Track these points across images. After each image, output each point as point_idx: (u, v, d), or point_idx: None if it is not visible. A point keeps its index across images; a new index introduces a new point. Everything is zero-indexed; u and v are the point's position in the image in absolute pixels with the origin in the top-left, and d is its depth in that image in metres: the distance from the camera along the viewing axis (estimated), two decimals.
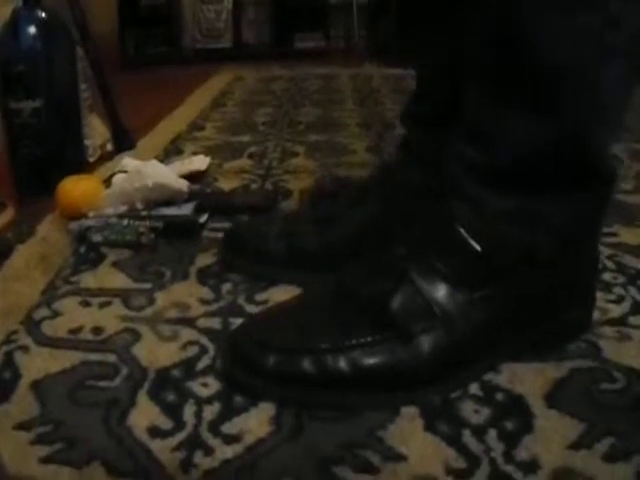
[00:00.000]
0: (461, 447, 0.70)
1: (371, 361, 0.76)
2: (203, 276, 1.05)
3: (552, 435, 0.71)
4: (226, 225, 1.22)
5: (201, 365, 0.83)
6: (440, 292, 0.78)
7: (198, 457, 0.68)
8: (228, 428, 0.72)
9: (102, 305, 0.97)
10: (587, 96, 0.76)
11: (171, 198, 1.25)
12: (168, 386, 0.79)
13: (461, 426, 0.73)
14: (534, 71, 0.75)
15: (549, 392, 0.78)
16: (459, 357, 0.78)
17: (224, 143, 1.87)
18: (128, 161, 1.43)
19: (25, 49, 1.41)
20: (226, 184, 1.50)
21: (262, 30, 3.94)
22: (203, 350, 0.86)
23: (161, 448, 0.70)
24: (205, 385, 0.80)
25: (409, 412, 0.75)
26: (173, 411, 0.75)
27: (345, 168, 1.61)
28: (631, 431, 0.71)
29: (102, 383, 0.80)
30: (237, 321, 0.92)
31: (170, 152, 1.78)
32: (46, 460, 0.68)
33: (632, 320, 0.91)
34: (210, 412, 0.75)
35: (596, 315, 0.90)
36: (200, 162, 1.55)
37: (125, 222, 1.17)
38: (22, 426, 0.73)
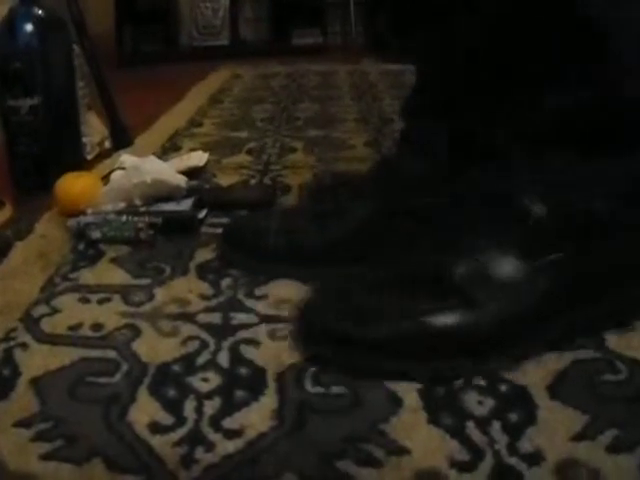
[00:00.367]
0: (465, 439, 0.69)
1: (438, 324, 0.77)
2: (202, 271, 1.05)
3: (556, 426, 0.70)
4: (225, 220, 1.22)
5: (201, 360, 0.83)
6: (503, 262, 0.79)
7: (199, 452, 0.68)
8: (229, 423, 0.72)
9: (101, 301, 0.97)
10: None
11: (169, 194, 1.25)
12: (168, 381, 0.79)
13: (465, 418, 0.72)
14: (588, 33, 0.76)
15: (552, 383, 0.77)
16: (527, 323, 0.79)
17: (222, 139, 1.87)
18: (126, 158, 1.43)
19: (22, 47, 1.41)
20: (225, 180, 1.50)
21: (259, 27, 3.93)
22: (204, 345, 0.86)
23: (162, 444, 0.69)
24: (206, 380, 0.79)
25: (412, 404, 0.74)
26: (174, 407, 0.75)
27: (344, 163, 1.61)
28: (635, 422, 0.71)
29: (102, 379, 0.80)
30: (237, 316, 0.92)
31: (168, 149, 1.77)
32: (46, 457, 0.68)
33: None
34: (211, 407, 0.74)
35: None
36: (198, 158, 1.55)
37: (124, 218, 1.17)
38: (22, 423, 0.73)
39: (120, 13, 3.61)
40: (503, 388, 0.77)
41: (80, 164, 1.52)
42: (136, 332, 0.89)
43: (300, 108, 2.27)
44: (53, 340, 0.88)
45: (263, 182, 1.48)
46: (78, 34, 1.68)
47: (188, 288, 1.00)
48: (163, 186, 1.24)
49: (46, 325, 0.91)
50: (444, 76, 1.00)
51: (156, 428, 0.72)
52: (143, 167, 1.26)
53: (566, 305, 0.80)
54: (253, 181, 1.49)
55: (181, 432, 0.71)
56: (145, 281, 1.03)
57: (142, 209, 1.20)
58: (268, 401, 0.75)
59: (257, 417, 0.73)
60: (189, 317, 0.92)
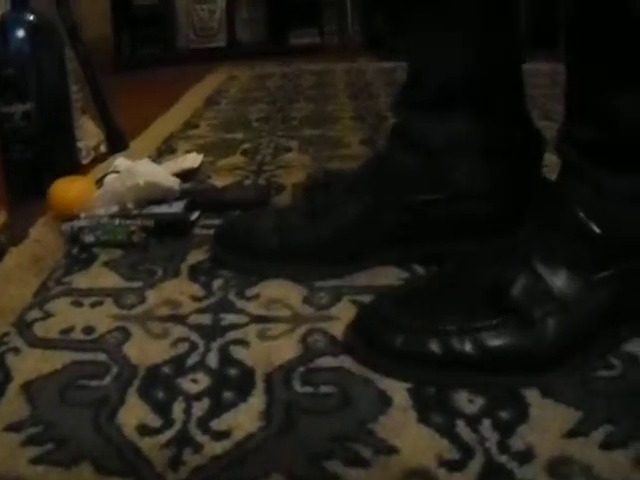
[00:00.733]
0: (455, 438, 0.69)
1: (496, 343, 0.76)
2: (194, 273, 1.05)
3: (548, 424, 0.70)
4: (218, 222, 1.22)
5: (191, 361, 0.83)
6: (560, 276, 0.78)
7: (187, 454, 0.68)
8: (217, 424, 0.72)
9: (94, 305, 0.97)
10: None
11: (163, 196, 1.25)
12: (158, 383, 0.79)
13: (455, 416, 0.72)
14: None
15: (543, 380, 0.77)
16: (579, 340, 0.78)
17: (218, 140, 1.87)
18: (121, 161, 1.43)
19: (14, 52, 1.41)
20: (219, 181, 1.50)
21: (256, 28, 3.93)
22: (193, 346, 0.86)
23: (150, 446, 0.69)
24: (195, 381, 0.79)
25: (401, 403, 0.74)
26: (162, 408, 0.75)
27: (338, 161, 1.61)
28: (628, 418, 0.71)
29: (93, 382, 0.80)
30: (228, 317, 0.92)
31: (163, 151, 1.77)
32: (35, 461, 0.68)
33: None
34: (199, 408, 0.75)
35: None
36: (192, 160, 1.55)
37: (117, 222, 1.17)
38: (12, 428, 0.73)
39: (117, 18, 3.60)
40: (494, 387, 0.76)
41: (75, 168, 1.52)
42: (127, 335, 0.89)
43: (296, 108, 2.27)
44: (45, 344, 0.88)
45: (257, 182, 1.48)
46: (71, 38, 1.67)
47: (180, 290, 1.00)
48: (156, 189, 1.24)
49: (39, 329, 0.91)
50: (440, 69, 0.99)
51: (144, 430, 0.72)
52: (136, 170, 1.25)
53: (615, 321, 0.80)
54: (247, 182, 1.50)
55: (169, 434, 0.71)
56: (137, 284, 1.03)
57: (135, 212, 1.20)
58: (256, 402, 0.75)
59: (245, 418, 0.73)
60: (180, 319, 0.92)
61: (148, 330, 0.90)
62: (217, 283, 1.01)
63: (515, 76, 1.03)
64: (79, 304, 0.98)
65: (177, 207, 1.22)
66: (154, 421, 0.73)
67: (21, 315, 0.95)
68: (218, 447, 0.69)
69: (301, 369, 0.80)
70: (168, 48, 3.79)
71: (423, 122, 1.00)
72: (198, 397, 0.77)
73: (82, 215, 1.19)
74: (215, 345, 0.86)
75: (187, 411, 0.74)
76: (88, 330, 0.91)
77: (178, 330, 0.90)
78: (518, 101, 1.04)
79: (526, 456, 0.66)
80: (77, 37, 1.71)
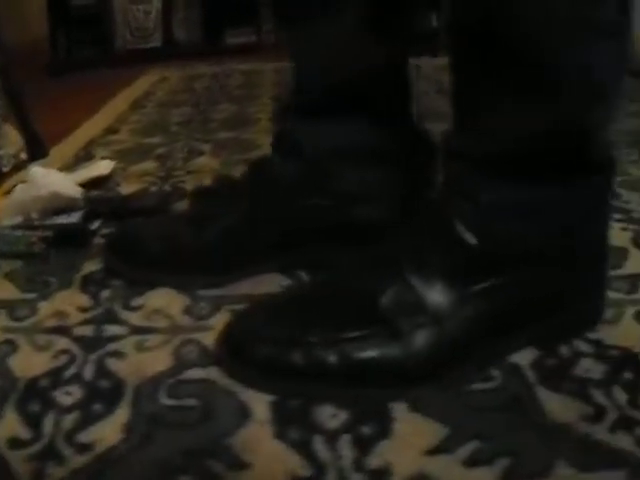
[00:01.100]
0: (309, 455, 0.69)
1: (361, 355, 0.76)
2: (86, 283, 1.06)
3: (411, 440, 0.69)
4: None
5: (68, 374, 0.84)
6: (434, 288, 0.77)
7: (50, 467, 0.69)
8: (83, 437, 0.73)
9: None
10: (579, 78, 0.73)
11: (66, 206, 1.25)
12: (34, 396, 0.80)
13: (314, 431, 0.72)
14: (524, 53, 0.72)
15: (415, 394, 0.76)
16: (452, 354, 0.77)
17: (135, 146, 1.86)
18: (36, 170, 1.42)
19: None
20: (127, 188, 1.50)
21: (193, 28, 3.91)
22: (72, 358, 0.87)
23: (18, 459, 0.70)
24: (69, 394, 0.80)
25: (261, 417, 0.74)
26: (34, 421, 0.75)
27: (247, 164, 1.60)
28: (500, 433, 0.70)
29: None
30: (110, 328, 0.93)
31: (81, 158, 1.76)
32: None
33: None
34: (69, 421, 0.75)
35: None
36: (104, 167, 1.55)
37: (18, 233, 1.17)
38: None
39: (53, 19, 3.57)
40: (360, 402, 0.76)
41: None
42: (14, 347, 0.90)
43: (218, 109, 2.27)
44: None
45: (161, 189, 1.48)
46: None
47: (69, 301, 1.01)
48: (59, 199, 1.24)
49: None
50: (323, 74, 1.00)
51: (15, 443, 0.72)
52: (39, 180, 1.26)
53: (491, 334, 0.79)
54: (153, 188, 1.49)
55: (37, 447, 0.72)
56: (31, 295, 1.03)
57: (36, 223, 1.21)
58: (122, 414, 0.76)
59: (109, 430, 0.74)
60: (65, 330, 0.93)
61: (34, 342, 0.90)
62: (105, 294, 1.02)
63: (400, 78, 1.04)
64: None
65: (75, 217, 1.22)
66: (25, 434, 0.74)
67: None
68: (80, 460, 0.70)
69: (170, 381, 0.81)
70: (105, 49, 3.76)
71: (304, 127, 1.01)
72: (69, 410, 0.77)
73: None
74: (93, 357, 0.87)
75: (57, 424, 0.75)
76: None
77: (62, 342, 0.90)
78: (404, 104, 1.05)
79: (382, 474, 0.66)
80: None
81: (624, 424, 0.71)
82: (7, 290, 1.06)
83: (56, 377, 0.83)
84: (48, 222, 1.22)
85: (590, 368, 0.80)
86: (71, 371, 0.84)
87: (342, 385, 0.77)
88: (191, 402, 0.78)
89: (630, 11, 0.73)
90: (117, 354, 0.87)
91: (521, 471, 0.66)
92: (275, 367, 0.78)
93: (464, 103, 0.82)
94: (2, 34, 1.81)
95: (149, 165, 1.68)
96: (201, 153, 1.76)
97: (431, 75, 2.42)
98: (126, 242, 1.09)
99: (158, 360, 0.85)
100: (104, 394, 0.80)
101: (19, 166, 1.69)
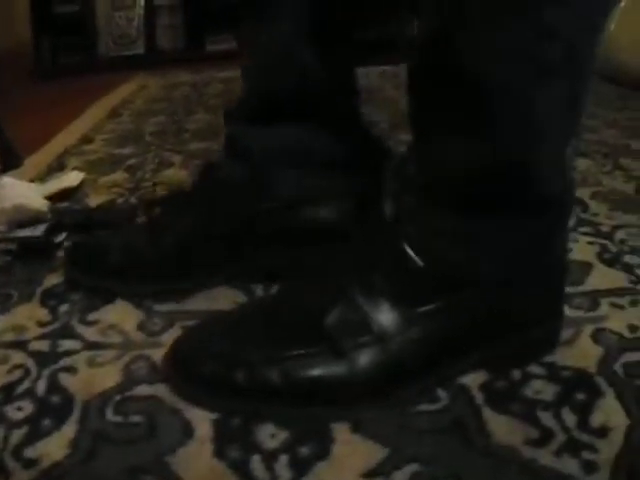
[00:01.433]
0: (246, 474, 0.69)
1: (304, 374, 0.75)
2: (46, 297, 1.06)
3: (348, 461, 0.69)
4: None
5: (21, 389, 0.84)
6: (380, 308, 0.77)
7: None
8: (30, 452, 0.74)
9: None
10: (520, 117, 0.72)
11: (32, 219, 1.26)
12: None
13: (252, 451, 0.72)
14: (462, 86, 0.72)
15: (358, 414, 0.76)
16: (397, 374, 0.77)
17: (107, 156, 1.86)
18: (7, 180, 1.43)
19: None
20: (95, 200, 1.50)
21: (175, 35, 3.92)
22: (26, 373, 0.87)
23: None
24: (20, 409, 0.81)
25: (203, 435, 0.75)
26: None
27: None
28: (441, 456, 0.70)
29: None
30: (65, 342, 0.93)
31: (54, 168, 1.77)
32: None
33: None
34: (17, 436, 0.76)
35: None
36: (73, 178, 1.55)
37: None
38: None
39: (37, 24, 3.57)
40: (302, 422, 0.76)
41: None
42: None
43: (193, 119, 2.27)
44: None
45: (128, 201, 1.48)
46: None
47: (29, 315, 1.01)
48: (24, 211, 1.25)
49: None
50: (269, 79, 1.02)
51: None
52: (4, 193, 1.27)
53: (438, 355, 0.79)
54: (121, 200, 1.50)
55: None
56: None
57: (0, 235, 1.21)
58: (69, 430, 0.77)
59: (55, 446, 0.74)
60: (21, 345, 0.93)
61: None
62: (63, 308, 1.02)
63: (346, 85, 1.05)
64: None
65: (39, 230, 1.23)
66: None
67: None
68: (25, 475, 0.70)
69: (117, 397, 0.82)
70: (89, 56, 3.76)
71: (250, 132, 1.02)
72: (19, 425, 0.78)
73: None
74: (47, 372, 0.87)
75: (6, 439, 0.76)
76: None
77: (17, 356, 0.91)
78: (352, 110, 1.07)
79: None
80: None
81: (571, 447, 0.71)
82: None
83: (9, 392, 0.84)
84: (11, 235, 1.22)
85: (541, 390, 0.81)
86: (24, 386, 0.85)
87: (285, 404, 0.77)
88: (136, 419, 0.78)
89: (579, 57, 0.72)
90: (70, 369, 0.88)
91: None
92: (220, 385, 0.78)
93: (415, 126, 0.82)
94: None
95: (119, 176, 1.68)
96: (171, 164, 1.76)
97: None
98: (86, 254, 1.09)
99: (108, 376, 0.86)
100: (54, 409, 0.80)
101: None
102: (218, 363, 0.79)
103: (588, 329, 0.91)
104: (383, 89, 2.54)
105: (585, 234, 1.20)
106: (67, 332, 0.96)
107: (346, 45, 1.03)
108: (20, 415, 0.80)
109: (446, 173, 0.79)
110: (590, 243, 1.17)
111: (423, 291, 0.79)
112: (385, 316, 0.78)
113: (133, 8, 3.84)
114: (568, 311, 0.93)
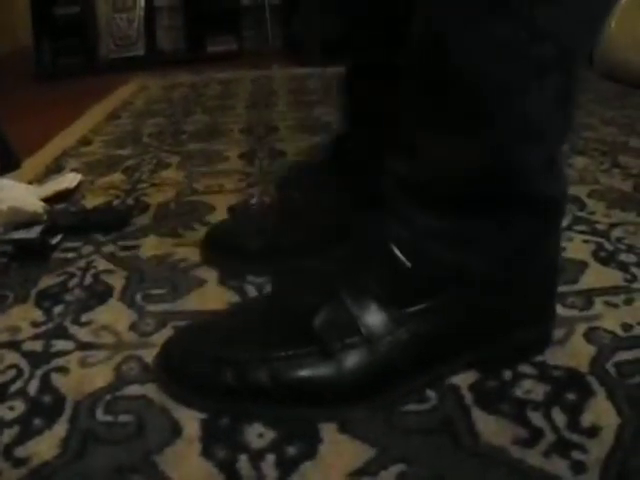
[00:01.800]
0: (233, 474, 0.69)
1: (293, 374, 0.76)
2: (41, 298, 1.07)
3: (335, 462, 0.70)
4: (79, 244, 1.25)
5: (13, 388, 0.85)
6: (368, 309, 0.77)
7: None
8: (21, 451, 0.74)
9: None
10: (514, 116, 0.72)
11: (29, 221, 1.26)
12: None
13: (239, 451, 0.72)
14: (456, 87, 0.72)
15: (346, 414, 0.76)
16: (385, 375, 0.77)
17: (105, 157, 1.86)
18: (4, 183, 1.44)
19: None
20: (92, 201, 1.50)
21: (176, 36, 3.93)
22: (19, 373, 0.87)
23: None
24: (11, 408, 0.81)
25: (190, 434, 0.75)
26: None
27: (210, 177, 1.63)
28: (428, 456, 0.70)
29: None
30: (58, 343, 0.94)
31: (52, 170, 1.76)
32: None
33: None
34: (8, 436, 0.76)
35: None
36: (70, 180, 1.55)
37: None
38: None
39: (38, 27, 3.58)
40: (290, 421, 0.76)
41: None
42: None
43: (190, 120, 2.27)
44: None
45: (126, 202, 1.48)
46: None
47: (23, 315, 1.01)
48: (20, 213, 1.26)
49: None
50: None
51: None
52: (1, 195, 1.27)
53: (426, 356, 0.80)
54: (117, 201, 1.50)
55: None
56: None
57: None
58: (59, 429, 0.77)
59: (45, 446, 0.75)
60: (15, 345, 0.94)
61: None
62: (58, 309, 1.02)
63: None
64: None
65: (35, 232, 1.23)
66: None
67: None
68: (14, 474, 0.71)
69: (108, 397, 0.82)
70: (90, 57, 3.77)
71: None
72: (10, 424, 0.78)
73: None
74: (39, 372, 0.87)
75: None
76: None
77: (11, 357, 0.91)
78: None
79: None
80: None
81: (560, 448, 0.71)
82: None
83: (1, 392, 0.84)
84: (7, 237, 1.22)
85: (531, 389, 0.81)
86: (17, 386, 0.85)
87: (274, 404, 0.77)
88: (126, 418, 0.79)
89: (572, 57, 0.73)
90: (62, 369, 0.88)
91: None
92: (209, 385, 0.79)
93: (404, 127, 0.82)
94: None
95: (116, 178, 1.68)
96: (168, 165, 1.76)
97: None
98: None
99: (99, 376, 0.86)
100: (45, 409, 0.81)
101: None
102: (207, 363, 0.79)
103: (581, 328, 0.92)
104: None
105: (581, 232, 1.20)
106: (60, 333, 0.97)
107: None
108: (11, 415, 0.80)
109: (440, 174, 0.79)
110: (585, 241, 1.17)
111: (411, 292, 0.79)
112: (373, 317, 0.78)
113: (133, 10, 3.84)
114: (561, 310, 0.93)
